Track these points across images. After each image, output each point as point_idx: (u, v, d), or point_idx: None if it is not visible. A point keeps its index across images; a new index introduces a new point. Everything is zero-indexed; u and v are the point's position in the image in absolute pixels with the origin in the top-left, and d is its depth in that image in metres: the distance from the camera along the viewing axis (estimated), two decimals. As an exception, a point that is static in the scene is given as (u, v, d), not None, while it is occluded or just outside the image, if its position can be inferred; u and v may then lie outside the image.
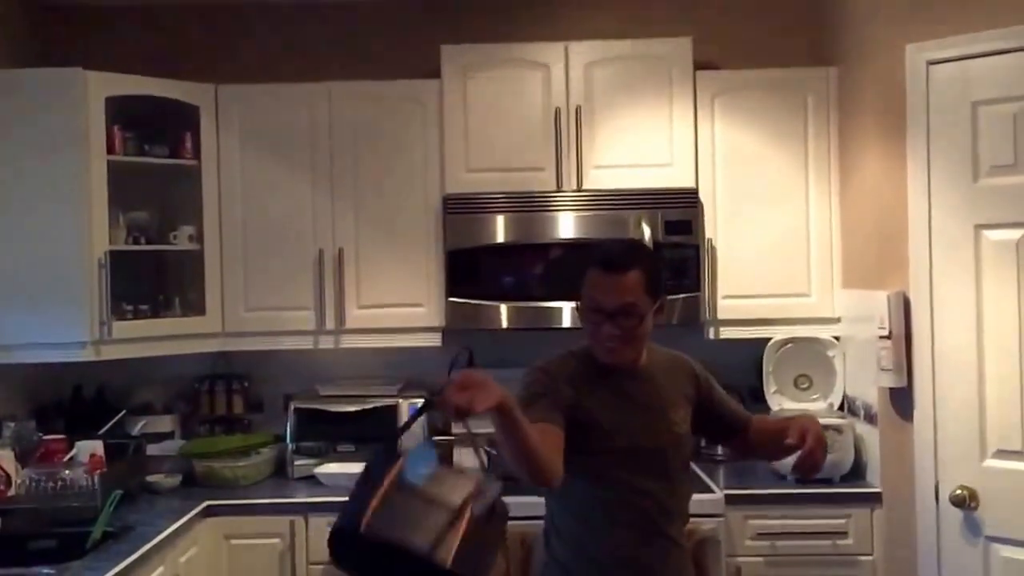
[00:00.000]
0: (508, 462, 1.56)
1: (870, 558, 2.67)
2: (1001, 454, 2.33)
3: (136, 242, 2.93)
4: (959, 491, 2.37)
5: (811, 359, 2.97)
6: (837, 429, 2.74)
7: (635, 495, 1.76)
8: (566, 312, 2.87)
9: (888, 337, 2.51)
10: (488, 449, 1.61)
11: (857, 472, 2.80)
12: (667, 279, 2.84)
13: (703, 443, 3.11)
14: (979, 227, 2.36)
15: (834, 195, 2.95)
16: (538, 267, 2.94)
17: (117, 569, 2.14)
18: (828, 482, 2.74)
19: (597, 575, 1.78)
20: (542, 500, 1.88)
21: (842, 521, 2.68)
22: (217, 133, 3.00)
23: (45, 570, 2.13)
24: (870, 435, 2.76)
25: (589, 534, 1.78)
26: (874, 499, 2.67)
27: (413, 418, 1.64)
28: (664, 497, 1.79)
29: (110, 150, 2.81)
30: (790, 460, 1.82)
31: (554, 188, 2.95)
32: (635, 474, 1.76)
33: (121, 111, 2.86)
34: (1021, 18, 2.28)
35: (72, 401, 3.09)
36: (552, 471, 1.60)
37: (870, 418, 2.74)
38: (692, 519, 2.52)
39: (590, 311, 1.75)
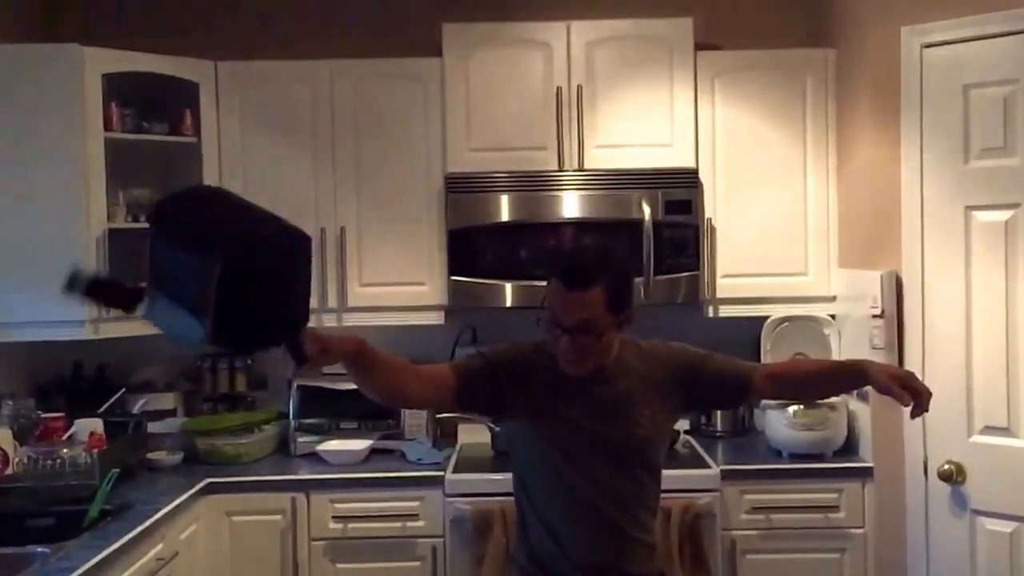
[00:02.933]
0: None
1: (861, 531, 2.87)
2: (987, 430, 2.52)
3: (136, 220, 3.03)
4: (946, 466, 2.56)
5: (808, 337, 3.15)
6: (831, 406, 2.95)
7: (592, 495, 1.84)
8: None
9: (880, 316, 2.70)
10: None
11: (849, 448, 3.01)
12: (666, 258, 3.04)
13: (704, 420, 3.33)
14: (969, 208, 2.54)
15: (832, 175, 3.13)
16: (540, 246, 3.08)
17: (113, 548, 2.24)
18: (821, 457, 2.95)
19: (558, 569, 1.88)
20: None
21: (834, 495, 2.88)
22: (217, 110, 3.12)
23: (40, 549, 2.20)
24: (863, 412, 2.96)
25: (546, 531, 1.88)
26: (866, 474, 2.87)
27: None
28: (624, 497, 1.87)
29: (108, 127, 2.91)
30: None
31: (555, 167, 3.10)
32: (592, 475, 1.84)
33: (120, 88, 2.96)
34: (1012, 3, 2.45)
35: (73, 379, 3.23)
36: (401, 394, 1.86)
37: (862, 395, 2.93)
38: (689, 494, 2.78)
39: (549, 323, 1.80)
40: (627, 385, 1.89)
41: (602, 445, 1.86)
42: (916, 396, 1.81)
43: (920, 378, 1.85)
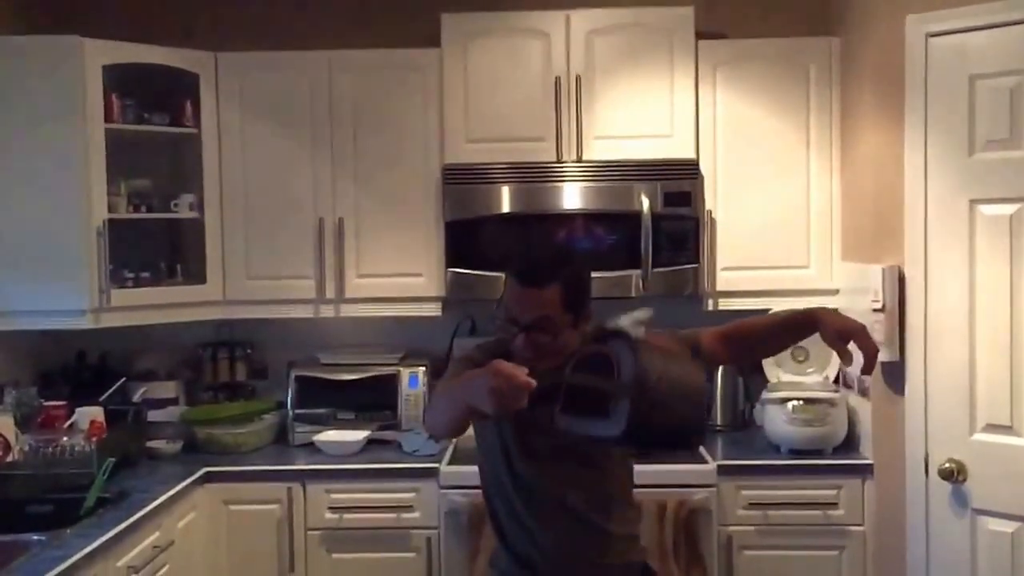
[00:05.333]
0: (438, 411, 1.72)
1: (860, 529, 2.82)
2: (990, 428, 2.44)
3: (137, 210, 3.04)
4: (947, 464, 2.49)
5: (809, 331, 3.10)
6: (831, 402, 2.89)
7: (562, 492, 1.81)
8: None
9: (882, 310, 2.63)
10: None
11: (850, 444, 2.95)
12: (665, 250, 2.99)
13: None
14: (974, 202, 2.45)
15: (835, 167, 3.06)
16: (537, 237, 3.03)
17: (108, 536, 2.25)
18: (820, 453, 2.89)
19: (529, 568, 1.85)
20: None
21: (833, 492, 2.82)
22: (217, 101, 3.11)
23: (36, 537, 2.22)
24: (863, 408, 2.90)
25: (523, 530, 1.85)
26: (865, 471, 2.82)
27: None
28: (593, 492, 1.84)
29: (108, 118, 2.91)
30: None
31: (554, 159, 3.05)
32: (558, 473, 1.81)
33: (120, 79, 2.96)
34: (1020, -9, 2.37)
35: (76, 367, 3.24)
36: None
37: (863, 391, 2.87)
38: (685, 489, 2.72)
39: (505, 321, 1.78)
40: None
41: (562, 445, 1.80)
42: (865, 354, 1.74)
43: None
